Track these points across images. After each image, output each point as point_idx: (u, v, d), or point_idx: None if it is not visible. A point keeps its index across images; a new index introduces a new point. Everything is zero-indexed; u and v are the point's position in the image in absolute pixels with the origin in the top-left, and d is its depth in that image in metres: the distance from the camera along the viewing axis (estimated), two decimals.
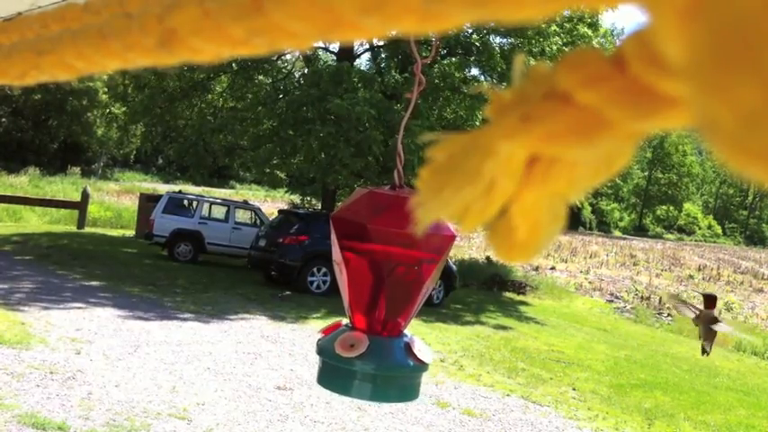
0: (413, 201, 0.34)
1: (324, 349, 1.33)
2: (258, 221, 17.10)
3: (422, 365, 1.34)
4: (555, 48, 16.80)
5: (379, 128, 15.66)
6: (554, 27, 16.91)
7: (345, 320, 1.40)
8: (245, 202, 19.01)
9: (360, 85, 16.66)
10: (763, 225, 71.96)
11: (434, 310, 13.18)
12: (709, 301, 2.94)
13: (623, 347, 12.95)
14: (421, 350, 1.34)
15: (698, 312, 2.91)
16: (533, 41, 16.87)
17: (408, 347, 1.34)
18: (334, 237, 1.35)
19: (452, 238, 1.35)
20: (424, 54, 1.23)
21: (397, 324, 1.37)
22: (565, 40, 17.10)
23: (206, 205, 17.28)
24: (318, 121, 16.01)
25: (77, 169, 35.34)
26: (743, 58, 0.20)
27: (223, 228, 16.94)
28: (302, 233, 14.02)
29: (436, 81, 16.45)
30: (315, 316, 11.42)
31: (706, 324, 2.75)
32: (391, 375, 1.35)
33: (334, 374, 1.33)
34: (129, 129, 23.30)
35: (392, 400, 1.49)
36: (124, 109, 20.83)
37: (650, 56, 0.25)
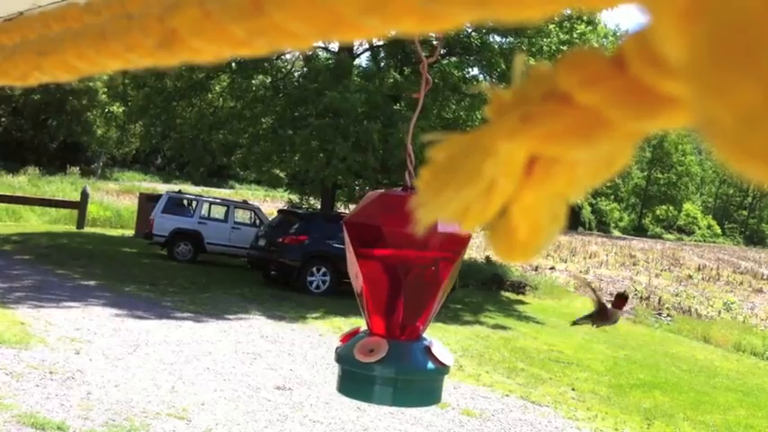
0: (414, 201, 0.34)
1: (343, 356, 1.32)
2: (258, 221, 17.11)
3: (443, 368, 1.33)
4: (553, 46, 16.82)
5: (377, 121, 15.68)
6: (552, 26, 16.92)
7: (363, 326, 1.39)
8: (245, 202, 19.01)
9: (359, 83, 16.74)
10: (763, 225, 71.94)
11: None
12: (620, 299, 2.86)
13: (623, 347, 12.95)
14: (441, 353, 1.34)
15: (601, 305, 2.81)
16: (532, 40, 16.88)
17: (428, 350, 1.33)
18: (348, 241, 1.33)
19: (468, 237, 1.34)
20: (426, 54, 1.22)
21: (416, 327, 1.36)
22: (564, 38, 17.11)
23: (205, 205, 17.29)
24: (315, 115, 16.09)
25: (77, 169, 35.29)
26: (742, 58, 0.20)
27: (222, 227, 16.94)
28: (302, 233, 14.02)
29: (436, 81, 16.46)
30: (314, 316, 11.41)
31: (602, 316, 2.68)
32: (412, 379, 1.34)
33: (355, 381, 1.32)
34: (128, 128, 23.29)
35: (414, 404, 1.47)
36: (123, 109, 20.86)
37: (650, 56, 0.25)
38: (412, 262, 1.34)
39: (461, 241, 1.34)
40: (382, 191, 1.37)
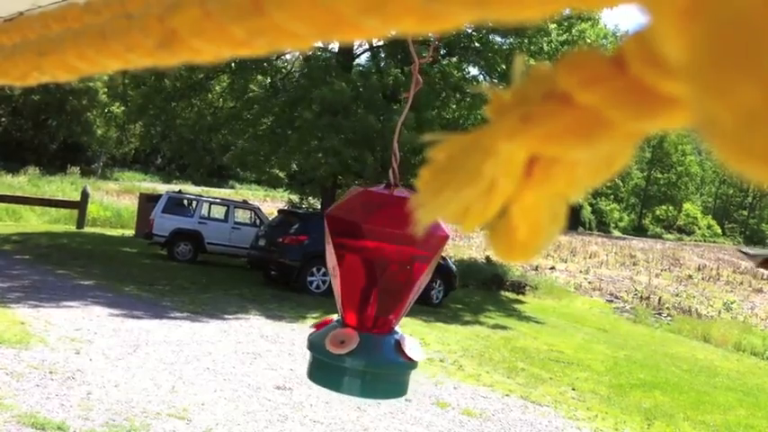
0: (413, 201, 0.34)
1: (314, 345, 1.34)
2: (258, 221, 17.11)
3: (411, 363, 1.35)
4: (554, 45, 16.84)
5: (376, 117, 15.73)
6: (553, 26, 16.94)
7: (336, 316, 1.40)
8: (245, 202, 19.01)
9: (350, 77, 16.88)
10: (763, 225, 71.89)
11: (434, 310, 13.18)
12: None
13: (623, 347, 12.95)
14: (411, 348, 1.35)
15: None
16: (532, 39, 16.89)
17: (398, 345, 1.35)
18: (327, 234, 1.35)
19: (445, 238, 1.36)
20: (423, 54, 1.23)
21: (388, 321, 1.37)
22: (564, 38, 17.12)
23: (205, 205, 17.29)
24: (307, 110, 16.24)
25: (77, 169, 35.29)
26: (742, 58, 0.20)
27: (223, 227, 16.94)
28: (302, 233, 14.02)
29: (436, 80, 16.52)
30: (314, 315, 11.41)
31: None
32: (380, 372, 1.36)
33: (325, 370, 1.34)
34: (128, 128, 23.31)
35: (381, 396, 1.50)
36: (123, 109, 20.89)
37: (650, 56, 0.25)
38: (388, 258, 1.36)
39: (439, 240, 1.35)
40: (365, 187, 1.38)
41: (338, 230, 1.35)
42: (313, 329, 1.39)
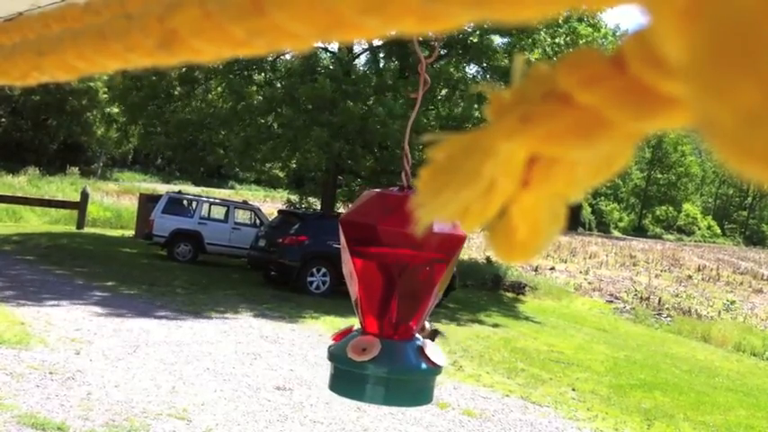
0: (413, 201, 0.34)
1: (335, 355, 1.32)
2: (258, 221, 17.11)
3: (435, 368, 1.33)
4: (555, 47, 16.84)
5: (356, 106, 15.78)
6: (557, 28, 16.95)
7: (356, 325, 1.39)
8: (245, 203, 19.01)
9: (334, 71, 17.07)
10: (763, 225, 71.90)
11: (434, 311, 13.15)
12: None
13: (623, 348, 12.94)
14: (434, 353, 1.33)
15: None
16: (535, 36, 16.90)
17: (421, 350, 1.33)
18: (343, 240, 1.33)
19: (463, 238, 1.34)
20: (425, 53, 1.22)
21: (409, 327, 1.35)
22: (565, 39, 17.12)
23: (205, 205, 17.29)
24: (291, 107, 16.38)
25: (77, 169, 35.30)
26: (742, 58, 0.20)
27: (223, 228, 16.94)
28: (302, 233, 14.02)
29: (445, 77, 16.58)
30: (314, 316, 11.41)
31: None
32: (405, 379, 1.34)
33: (347, 379, 1.32)
34: (129, 129, 23.34)
35: (406, 403, 1.47)
36: (123, 109, 20.93)
37: (650, 56, 0.25)
38: (406, 262, 1.34)
39: (456, 242, 1.34)
40: (379, 190, 1.37)
41: (354, 235, 1.33)
42: (332, 340, 1.38)
